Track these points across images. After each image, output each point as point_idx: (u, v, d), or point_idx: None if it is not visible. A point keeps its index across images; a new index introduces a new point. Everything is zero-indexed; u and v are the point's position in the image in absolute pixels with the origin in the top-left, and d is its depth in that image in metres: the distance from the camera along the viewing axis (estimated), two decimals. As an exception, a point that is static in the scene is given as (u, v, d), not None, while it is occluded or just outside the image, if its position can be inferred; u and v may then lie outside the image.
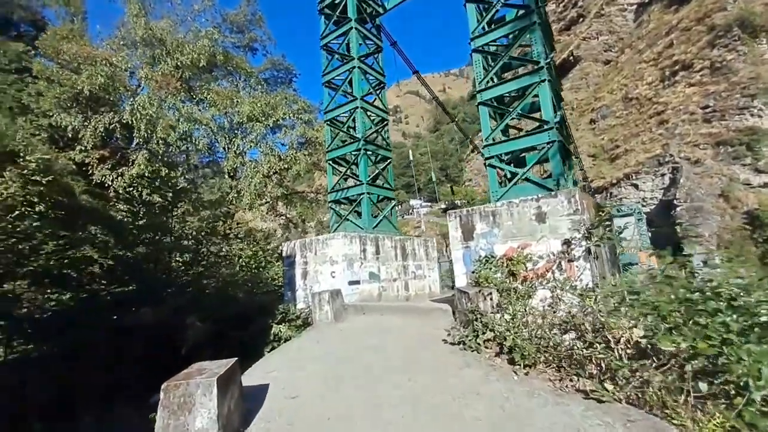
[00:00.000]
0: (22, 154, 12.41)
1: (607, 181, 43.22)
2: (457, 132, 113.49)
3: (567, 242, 5.95)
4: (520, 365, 4.23)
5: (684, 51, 44.01)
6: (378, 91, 12.30)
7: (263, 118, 19.91)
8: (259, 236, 21.38)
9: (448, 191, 77.14)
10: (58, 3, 21.10)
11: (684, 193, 36.40)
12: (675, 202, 36.05)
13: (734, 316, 3.17)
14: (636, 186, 41.59)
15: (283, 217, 23.81)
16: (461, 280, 7.29)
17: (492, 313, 5.40)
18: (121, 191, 14.76)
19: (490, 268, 6.43)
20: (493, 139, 8.17)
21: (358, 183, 11.15)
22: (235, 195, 20.19)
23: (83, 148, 15.38)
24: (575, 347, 3.86)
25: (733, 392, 2.88)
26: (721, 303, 3.51)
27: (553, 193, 6.38)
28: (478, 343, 5.08)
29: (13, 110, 15.75)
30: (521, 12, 8.17)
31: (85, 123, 15.79)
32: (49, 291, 9.85)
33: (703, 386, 2.98)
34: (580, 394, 3.53)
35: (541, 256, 6.19)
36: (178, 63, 19.09)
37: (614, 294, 4.20)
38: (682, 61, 43.76)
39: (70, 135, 15.70)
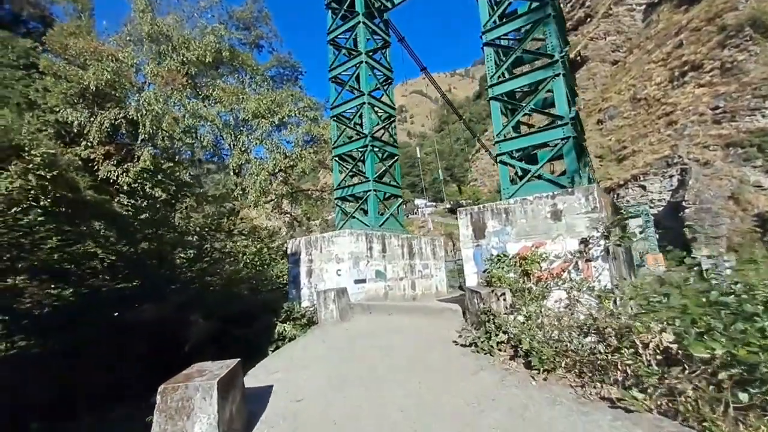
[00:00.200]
0: (27, 149, 12.37)
1: (614, 182, 42.78)
2: (462, 132, 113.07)
3: (584, 241, 5.70)
4: (537, 370, 4.00)
5: (694, 51, 43.44)
6: (386, 87, 12.09)
7: (269, 115, 19.79)
8: (264, 234, 21.24)
9: (452, 191, 76.85)
10: (66, -1, 21.08)
11: (693, 195, 35.90)
12: (683, 203, 35.56)
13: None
14: (643, 187, 41.12)
15: (288, 215, 23.67)
16: (472, 280, 7.06)
17: (505, 314, 5.17)
18: (126, 187, 14.64)
19: (503, 268, 6.20)
20: (505, 136, 7.93)
21: (364, 180, 10.95)
22: (240, 192, 20.08)
23: (89, 144, 15.31)
24: (598, 352, 3.62)
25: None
26: (759, 306, 3.27)
27: (569, 189, 6.13)
28: (491, 346, 4.86)
29: (21, 106, 15.74)
30: (535, 4, 7.92)
31: (91, 119, 15.72)
32: (53, 287, 9.74)
33: (743, 396, 2.74)
34: (605, 402, 3.30)
35: (557, 255, 5.94)
36: (184, 59, 19.03)
37: (640, 296, 3.95)
38: (692, 61, 43.19)
39: (76, 131, 15.65)
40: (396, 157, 12.10)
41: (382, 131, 11.88)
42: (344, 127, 11.77)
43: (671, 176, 38.67)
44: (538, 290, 5.55)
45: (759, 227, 30.23)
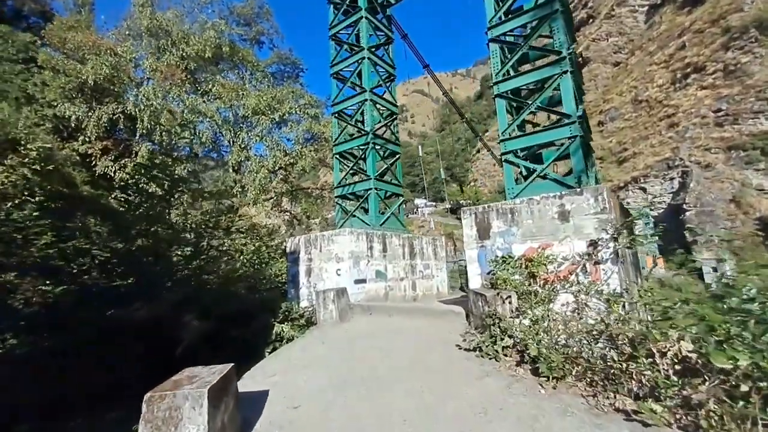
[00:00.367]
0: (23, 143, 12.20)
1: (615, 184, 42.67)
2: (463, 132, 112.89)
3: (593, 243, 5.52)
4: (546, 377, 3.82)
5: (696, 53, 43.26)
6: (388, 84, 11.89)
7: (269, 112, 19.60)
8: (263, 232, 21.06)
9: (453, 191, 76.67)
10: (66, -7, 20.89)
11: (694, 198, 35.80)
12: (684, 206, 35.46)
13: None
14: (644, 189, 41.02)
15: (288, 214, 23.49)
16: (475, 281, 6.87)
17: (511, 317, 4.99)
18: (123, 183, 14.44)
19: (508, 269, 6.02)
20: (510, 134, 7.74)
21: (365, 178, 10.76)
22: (240, 190, 19.89)
23: (87, 139, 15.13)
24: (611, 360, 3.44)
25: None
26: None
27: (578, 190, 5.94)
28: (496, 350, 4.68)
29: (19, 100, 15.58)
30: (542, 0, 7.73)
31: (89, 114, 15.53)
32: (48, 283, 9.54)
33: (773, 412, 2.56)
34: (620, 415, 3.12)
35: (565, 257, 5.76)
36: (184, 54, 18.84)
37: (656, 301, 3.76)
38: (695, 63, 43.02)
39: (73, 125, 15.47)
40: (398, 156, 11.91)
41: (383, 129, 11.70)
42: (345, 124, 11.58)
43: (672, 179, 38.54)
44: (544, 293, 5.36)
45: (761, 231, 30.08)
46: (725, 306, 3.49)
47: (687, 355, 3.16)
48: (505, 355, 4.64)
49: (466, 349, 5.08)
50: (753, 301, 3.29)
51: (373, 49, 11.43)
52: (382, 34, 12.07)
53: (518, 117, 7.70)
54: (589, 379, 3.59)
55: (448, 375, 4.33)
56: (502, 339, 4.72)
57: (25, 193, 11.39)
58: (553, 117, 7.73)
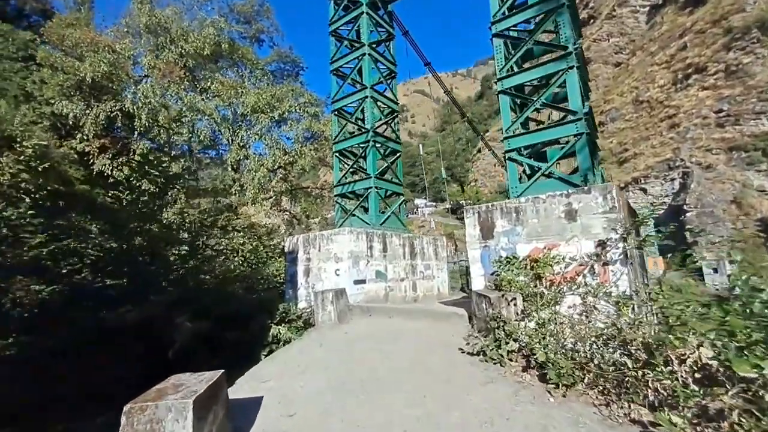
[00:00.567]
0: (19, 140, 12.04)
1: (615, 185, 42.42)
2: (463, 132, 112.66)
3: (602, 243, 5.32)
4: (555, 384, 3.63)
5: (698, 54, 43.09)
6: (389, 81, 11.69)
7: (268, 111, 19.40)
8: (262, 231, 20.87)
9: (453, 191, 76.50)
10: (66, -8, 20.73)
11: (694, 199, 35.68)
12: (685, 207, 35.34)
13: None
14: (644, 190, 40.89)
15: (287, 213, 23.29)
16: (478, 282, 6.67)
17: (516, 320, 4.80)
18: (114, 179, 14.20)
19: (512, 270, 5.82)
20: (514, 132, 7.55)
21: (365, 177, 10.56)
22: (238, 189, 19.70)
23: (84, 137, 14.94)
24: (627, 366, 3.24)
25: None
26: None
27: (585, 188, 5.75)
28: (501, 354, 4.49)
29: (18, 98, 15.44)
30: (547, -6, 7.53)
31: (87, 111, 15.35)
32: (41, 282, 9.34)
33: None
34: (636, 427, 2.93)
35: (573, 257, 5.56)
36: (183, 51, 18.65)
37: (674, 305, 3.56)
38: (696, 63, 42.86)
39: (71, 123, 15.29)
40: (398, 154, 11.71)
41: (384, 127, 11.50)
42: (345, 122, 11.38)
43: (673, 179, 38.42)
44: (550, 295, 5.17)
45: (762, 232, 29.93)
46: (746, 310, 3.30)
47: (707, 362, 2.97)
48: (510, 360, 4.46)
49: (469, 353, 4.89)
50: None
51: (374, 46, 11.22)
52: (383, 30, 11.87)
53: (523, 114, 7.50)
54: (601, 387, 3.40)
55: (451, 380, 4.13)
56: (507, 343, 4.54)
57: (20, 191, 11.23)
58: (554, 118, 7.56)
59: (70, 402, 7.41)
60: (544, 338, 4.22)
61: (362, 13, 10.90)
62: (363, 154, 10.77)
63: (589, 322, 4.42)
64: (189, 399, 2.34)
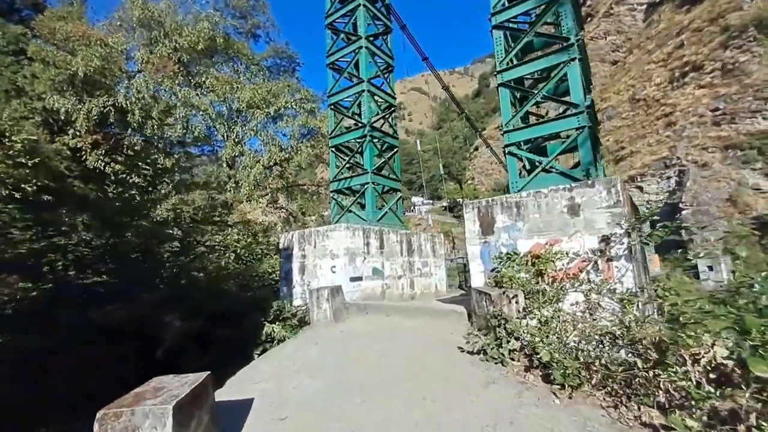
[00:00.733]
0: (8, 134, 11.78)
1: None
2: (460, 130, 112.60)
3: (606, 239, 5.16)
4: (560, 385, 3.47)
5: (695, 52, 43.14)
6: (386, 75, 11.48)
7: (264, 106, 19.15)
8: (258, 229, 20.64)
9: (450, 189, 76.38)
10: (58, -15, 20.34)
11: (690, 197, 35.80)
12: (680, 205, 35.46)
13: None
14: (641, 188, 40.95)
15: (284, 211, 23.06)
16: (478, 279, 6.50)
17: (518, 318, 4.64)
18: (99, 171, 13.88)
19: (513, 267, 5.66)
20: (514, 125, 7.38)
21: (362, 172, 10.36)
22: (234, 185, 19.45)
23: (77, 132, 14.64)
24: (636, 367, 3.08)
25: None
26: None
27: (589, 182, 5.58)
28: (502, 353, 4.33)
29: (9, 93, 15.11)
30: (548, -16, 7.35)
31: (79, 106, 15.04)
32: (27, 281, 9.07)
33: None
34: (647, 430, 2.77)
35: (577, 253, 5.40)
36: (176, 45, 18.35)
37: (686, 302, 3.40)
38: (693, 62, 42.92)
39: (63, 118, 14.98)
40: (396, 149, 11.52)
41: (381, 121, 11.29)
42: (342, 116, 11.17)
43: (669, 178, 38.49)
44: (552, 292, 5.00)
45: (757, 230, 30.01)
46: (759, 307, 3.15)
47: (722, 362, 2.81)
48: (512, 359, 4.30)
49: (469, 352, 4.72)
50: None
51: (371, 39, 11.01)
52: (381, 23, 11.65)
53: (524, 107, 7.32)
54: (609, 388, 3.24)
55: (452, 381, 3.96)
56: (508, 341, 4.38)
57: (8, 187, 10.97)
58: (552, 113, 7.40)
59: (48, 405, 7.00)
60: (547, 337, 4.06)
61: (359, 5, 10.67)
62: (360, 150, 10.58)
63: (594, 320, 4.26)
64: (169, 404, 2.14)
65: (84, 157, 14.66)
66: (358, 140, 10.60)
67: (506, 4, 7.87)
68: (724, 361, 2.84)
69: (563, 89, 7.47)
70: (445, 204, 72.71)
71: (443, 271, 12.13)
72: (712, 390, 2.67)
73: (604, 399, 3.23)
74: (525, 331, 4.33)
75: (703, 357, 2.81)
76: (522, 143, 7.40)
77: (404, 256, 10.41)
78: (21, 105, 14.50)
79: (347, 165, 10.92)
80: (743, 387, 2.69)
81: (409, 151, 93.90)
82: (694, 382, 2.80)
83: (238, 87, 19.33)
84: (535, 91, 7.16)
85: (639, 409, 2.96)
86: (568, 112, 6.70)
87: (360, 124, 10.51)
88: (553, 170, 6.84)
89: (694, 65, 42.71)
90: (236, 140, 19.68)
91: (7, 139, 11.76)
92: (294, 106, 20.06)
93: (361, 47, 10.48)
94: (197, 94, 18.81)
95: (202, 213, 16.75)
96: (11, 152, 11.64)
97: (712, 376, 2.82)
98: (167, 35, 18.40)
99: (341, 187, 10.85)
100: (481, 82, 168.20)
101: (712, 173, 35.13)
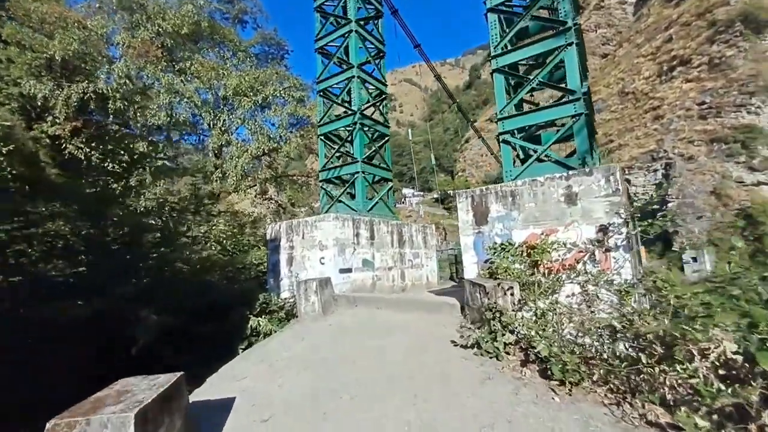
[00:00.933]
0: (-23, 119, 11.17)
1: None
2: (451, 122, 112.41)
3: (603, 229, 5.01)
4: (559, 381, 3.30)
5: (683, 46, 43.50)
6: (377, 62, 11.13)
7: (251, 94, 18.57)
8: (246, 220, 20.18)
9: (440, 181, 76.36)
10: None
11: (676, 190, 36.34)
12: (667, 197, 35.97)
13: None
14: (628, 181, 41.35)
15: (273, 202, 22.62)
16: (471, 271, 6.32)
17: (513, 311, 4.47)
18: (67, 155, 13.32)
19: (508, 257, 5.48)
20: (508, 113, 7.16)
21: (352, 161, 10.07)
22: (220, 176, 18.93)
23: (56, 120, 14.00)
24: (641, 362, 2.92)
25: None
26: None
27: (587, 170, 5.40)
28: (497, 347, 4.16)
29: (-17, 78, 14.32)
30: (545, -34, 7.10)
31: (57, 92, 14.35)
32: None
33: None
34: (654, 429, 2.61)
35: (575, 243, 5.24)
36: (160, 30, 17.60)
37: (697, 294, 3.24)
38: (681, 56, 43.28)
39: (40, 104, 14.30)
40: (387, 138, 11.23)
41: (372, 109, 10.97)
42: (331, 103, 10.81)
43: (656, 170, 38.95)
44: (548, 283, 4.84)
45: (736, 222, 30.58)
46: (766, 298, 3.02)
47: (731, 357, 2.66)
48: (507, 353, 4.13)
49: (462, 346, 4.55)
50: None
51: (362, 23, 10.62)
52: (372, 7, 11.25)
53: (519, 93, 7.10)
54: (611, 385, 3.08)
55: (446, 378, 3.77)
56: (503, 335, 4.21)
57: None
58: (543, 104, 7.20)
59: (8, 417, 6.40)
60: (544, 330, 3.90)
61: (349, -13, 10.28)
62: (349, 138, 10.26)
63: (592, 312, 4.11)
64: (130, 412, 1.89)
65: (63, 145, 14.06)
66: (347, 128, 10.28)
67: (502, -14, 7.60)
68: (733, 356, 2.69)
69: (559, 76, 7.28)
70: (435, 196, 72.68)
71: (434, 263, 11.97)
72: (723, 387, 2.51)
73: (605, 396, 3.07)
74: (520, 324, 4.16)
75: (713, 352, 2.65)
76: (516, 131, 7.20)
77: (395, 247, 10.20)
78: (-4, 91, 13.79)
79: (337, 154, 10.60)
80: (752, 383, 2.55)
81: (400, 143, 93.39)
82: (702, 378, 2.65)
83: (224, 73, 18.70)
84: (531, 77, 6.94)
85: (643, 406, 2.81)
86: (564, 99, 6.50)
87: (350, 112, 10.18)
88: (548, 159, 6.66)
89: (681, 59, 43.08)
90: (223, 129, 19.09)
91: (-23, 125, 11.14)
92: (282, 95, 19.50)
93: (351, 31, 10.10)
94: (181, 80, 18.15)
95: (188, 203, 16.25)
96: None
97: (721, 372, 2.67)
98: (150, 19, 17.66)
99: (330, 176, 10.55)
100: (472, 74, 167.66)
101: (697, 166, 35.62)
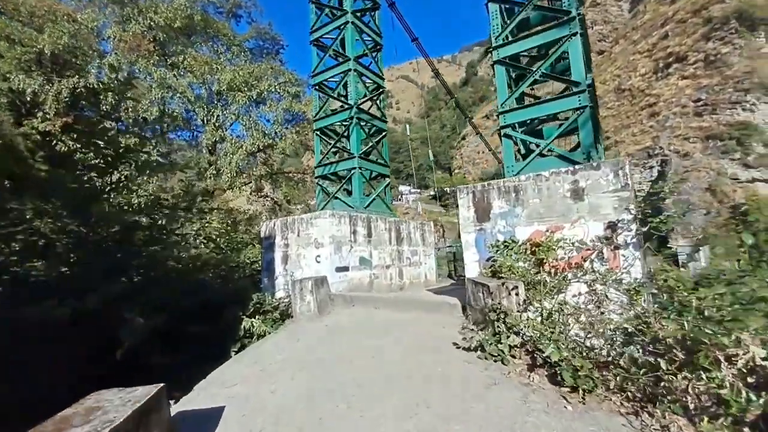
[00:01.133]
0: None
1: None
2: (448, 119, 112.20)
3: (612, 225, 4.81)
4: (570, 388, 3.09)
5: (679, 43, 43.57)
6: (374, 54, 10.86)
7: (246, 89, 18.23)
8: (241, 217, 19.86)
9: (437, 178, 76.22)
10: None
11: (672, 186, 36.43)
12: (662, 194, 36.03)
13: None
14: (627, 177, 41.40)
15: (269, 200, 22.33)
16: (473, 269, 6.11)
17: (519, 312, 4.26)
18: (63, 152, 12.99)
19: (511, 255, 5.27)
20: (510, 106, 6.94)
21: (348, 156, 9.81)
22: (214, 172, 18.60)
23: (46, 115, 13.65)
24: (660, 368, 2.72)
25: None
26: None
27: (594, 164, 5.19)
28: (502, 350, 3.95)
29: (-28, 74, 13.93)
30: (548, -45, 6.88)
31: (47, 87, 13.98)
32: None
33: None
34: (677, 441, 2.41)
35: (582, 240, 5.04)
36: (152, 23, 17.23)
37: (723, 295, 3.02)
38: (677, 53, 43.36)
39: (29, 99, 13.93)
40: (384, 133, 10.97)
41: (369, 103, 10.70)
42: (327, 97, 10.54)
43: (651, 167, 39.02)
44: (554, 283, 4.64)
45: (734, 218, 30.69)
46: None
47: (761, 363, 2.46)
48: (513, 357, 3.92)
49: (465, 349, 4.33)
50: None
51: (359, 14, 10.33)
52: (368, -2, 10.98)
53: (520, 86, 6.88)
54: (628, 393, 2.88)
55: (448, 383, 3.56)
56: (508, 337, 3.99)
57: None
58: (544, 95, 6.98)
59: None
60: (552, 332, 3.69)
61: (345, -23, 9.99)
62: (346, 133, 10.00)
63: (602, 313, 3.91)
64: (97, 434, 1.66)
65: (54, 141, 13.72)
66: (344, 123, 10.02)
67: (503, -24, 7.36)
68: (763, 362, 2.49)
69: (562, 67, 7.07)
70: (432, 193, 72.50)
71: (433, 260, 11.76)
72: (755, 397, 2.31)
73: (621, 404, 2.87)
74: (526, 326, 3.95)
75: (741, 358, 2.45)
76: (517, 125, 6.99)
77: (393, 244, 9.97)
78: (-16, 86, 13.41)
79: (333, 149, 10.34)
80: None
81: (397, 140, 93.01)
82: (729, 387, 2.45)
83: (218, 68, 18.35)
84: (534, 69, 6.72)
85: (664, 416, 2.61)
86: (568, 92, 6.29)
87: (346, 106, 9.91)
88: (551, 153, 6.45)
89: (677, 56, 43.18)
90: (217, 125, 18.75)
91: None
92: (278, 90, 19.18)
93: (347, 22, 9.82)
94: (174, 75, 17.78)
95: (180, 200, 15.93)
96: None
97: (749, 379, 2.47)
98: (141, 12, 17.27)
99: (327, 172, 10.29)
100: (468, 71, 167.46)
101: (692, 163, 35.71)
